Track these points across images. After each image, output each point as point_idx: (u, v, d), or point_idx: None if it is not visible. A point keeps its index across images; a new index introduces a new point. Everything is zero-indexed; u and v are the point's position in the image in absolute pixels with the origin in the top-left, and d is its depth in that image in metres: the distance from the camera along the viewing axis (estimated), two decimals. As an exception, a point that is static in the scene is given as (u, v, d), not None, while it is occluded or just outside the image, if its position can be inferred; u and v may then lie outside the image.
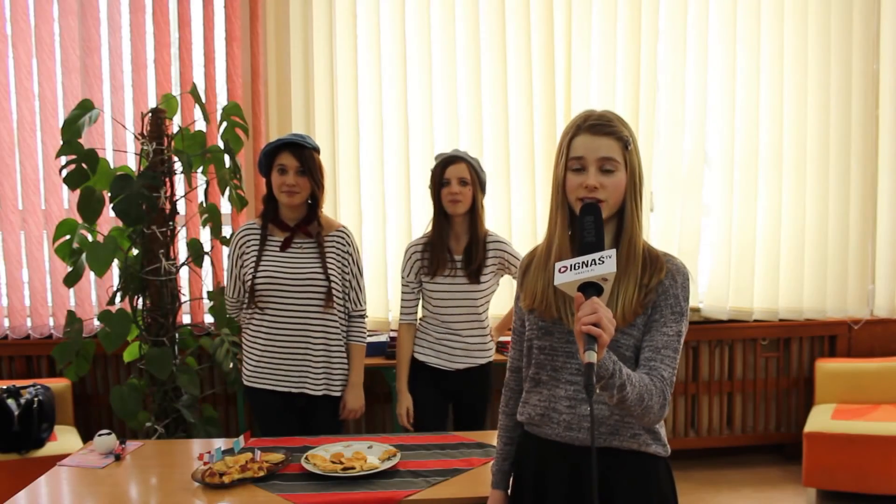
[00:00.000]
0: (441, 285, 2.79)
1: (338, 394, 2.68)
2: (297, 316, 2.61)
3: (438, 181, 2.77)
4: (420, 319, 2.90)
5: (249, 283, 2.62)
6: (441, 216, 2.79)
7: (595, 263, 1.34)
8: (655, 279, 1.56)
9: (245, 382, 2.71)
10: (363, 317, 2.76)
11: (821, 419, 3.65)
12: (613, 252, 1.35)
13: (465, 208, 2.75)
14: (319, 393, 2.65)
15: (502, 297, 3.85)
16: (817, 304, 4.07)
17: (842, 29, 3.94)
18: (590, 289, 1.34)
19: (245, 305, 2.69)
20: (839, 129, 3.99)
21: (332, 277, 2.62)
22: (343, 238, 2.69)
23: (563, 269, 1.37)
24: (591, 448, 1.23)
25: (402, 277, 2.86)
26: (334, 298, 2.63)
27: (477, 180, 2.78)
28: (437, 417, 2.85)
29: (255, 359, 2.66)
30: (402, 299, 2.87)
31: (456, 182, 2.73)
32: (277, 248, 2.63)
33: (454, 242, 2.81)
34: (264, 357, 2.64)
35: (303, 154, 2.58)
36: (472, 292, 2.79)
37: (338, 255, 2.67)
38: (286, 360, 2.63)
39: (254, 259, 2.62)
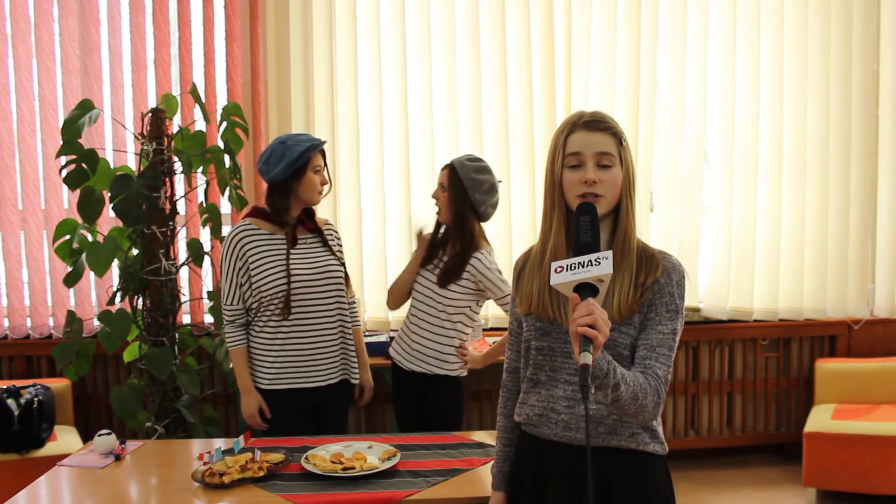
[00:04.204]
0: (421, 277, 2.84)
1: (356, 379, 2.74)
2: (320, 309, 2.62)
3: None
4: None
5: (279, 288, 2.54)
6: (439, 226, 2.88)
7: (591, 264, 1.34)
8: (652, 277, 1.56)
9: (262, 386, 2.61)
10: (355, 303, 2.85)
11: (821, 419, 3.65)
12: (610, 253, 1.35)
13: (444, 214, 2.77)
14: (338, 379, 2.67)
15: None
16: (817, 304, 4.07)
17: (842, 29, 3.94)
18: (585, 289, 1.34)
19: (246, 310, 2.64)
20: (839, 129, 3.99)
21: (343, 264, 2.73)
22: (335, 231, 2.80)
23: (559, 270, 1.37)
24: (587, 449, 1.23)
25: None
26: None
27: (460, 186, 2.70)
28: (409, 421, 2.87)
29: (280, 360, 2.59)
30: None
31: (438, 186, 2.80)
32: (291, 248, 2.61)
33: (451, 245, 2.80)
34: (290, 357, 2.59)
35: (325, 154, 2.69)
36: (439, 296, 2.75)
37: (338, 244, 2.77)
38: (311, 354, 2.61)
39: (271, 263, 2.56)
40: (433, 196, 2.83)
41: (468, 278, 2.72)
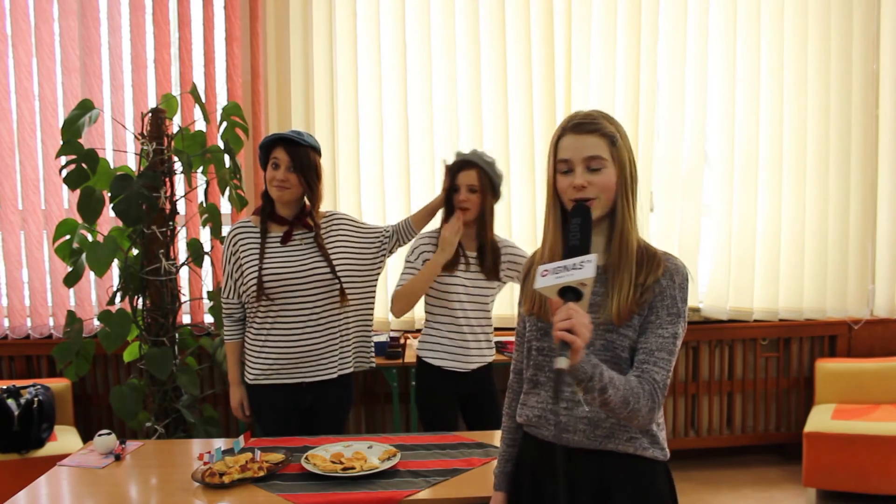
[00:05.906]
0: (458, 278, 2.76)
1: (349, 371, 2.72)
2: (307, 310, 2.59)
3: (451, 184, 2.75)
4: (430, 323, 2.84)
5: (254, 280, 2.57)
6: (450, 215, 2.77)
7: (574, 268, 1.34)
8: (652, 277, 1.54)
9: (251, 382, 2.66)
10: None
11: (821, 419, 3.65)
12: (594, 257, 1.34)
13: (473, 215, 2.74)
14: (334, 375, 2.65)
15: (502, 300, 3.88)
16: (817, 304, 4.07)
17: (842, 29, 3.94)
18: (569, 293, 1.34)
19: (242, 305, 2.68)
20: (839, 129, 3.99)
21: (340, 271, 2.63)
22: (340, 221, 2.71)
23: (544, 273, 1.37)
24: (559, 455, 1.21)
25: (407, 261, 2.79)
26: (347, 294, 2.64)
27: (489, 186, 2.74)
28: (452, 422, 2.83)
29: (265, 356, 2.61)
30: (401, 276, 2.78)
31: (465, 189, 2.72)
32: (278, 244, 2.61)
33: (466, 240, 2.79)
34: (274, 353, 2.60)
35: (296, 151, 2.56)
36: (487, 289, 2.80)
37: (346, 239, 2.69)
38: (298, 352, 2.60)
39: (254, 256, 2.59)
40: (462, 201, 2.70)
41: (506, 264, 2.82)
